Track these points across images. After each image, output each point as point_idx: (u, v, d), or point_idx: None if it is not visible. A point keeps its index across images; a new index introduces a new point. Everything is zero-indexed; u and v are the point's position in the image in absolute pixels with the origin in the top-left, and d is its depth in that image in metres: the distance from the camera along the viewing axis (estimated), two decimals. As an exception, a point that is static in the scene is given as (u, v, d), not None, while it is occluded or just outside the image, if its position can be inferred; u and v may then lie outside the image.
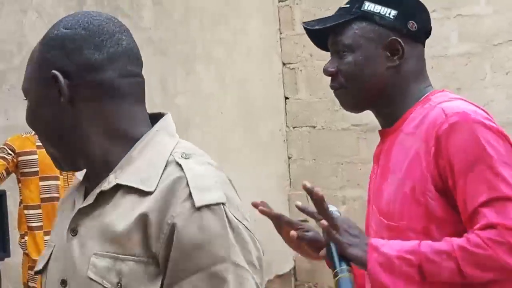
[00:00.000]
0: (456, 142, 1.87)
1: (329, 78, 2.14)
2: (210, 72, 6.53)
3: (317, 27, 2.16)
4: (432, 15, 2.17)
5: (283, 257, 7.11)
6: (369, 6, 2.07)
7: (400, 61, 2.06)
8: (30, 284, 4.55)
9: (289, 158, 7.36)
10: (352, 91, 2.10)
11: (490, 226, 1.81)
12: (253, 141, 6.91)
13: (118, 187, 1.39)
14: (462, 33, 6.28)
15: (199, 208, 1.32)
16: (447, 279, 1.86)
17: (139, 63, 1.50)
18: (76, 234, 1.42)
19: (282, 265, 7.06)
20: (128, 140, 1.43)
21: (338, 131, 6.97)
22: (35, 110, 1.47)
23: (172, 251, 1.31)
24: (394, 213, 1.99)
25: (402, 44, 2.05)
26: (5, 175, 4.56)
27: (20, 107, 4.96)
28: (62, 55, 1.44)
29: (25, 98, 1.50)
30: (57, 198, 4.63)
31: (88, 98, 1.43)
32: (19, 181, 4.69)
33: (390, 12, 2.04)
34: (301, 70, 7.22)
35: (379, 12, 2.06)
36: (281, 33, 7.35)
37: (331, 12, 2.26)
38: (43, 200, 4.63)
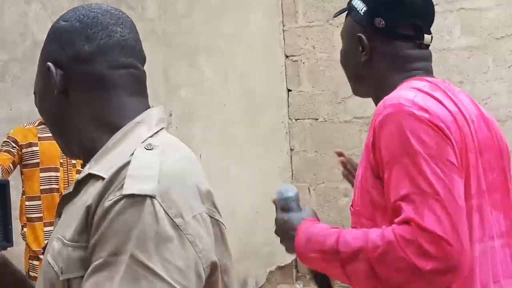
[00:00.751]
0: (386, 134, 1.87)
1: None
2: (213, 64, 6.54)
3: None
4: (435, 8, 2.17)
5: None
6: (353, 1, 2.16)
7: (368, 56, 2.11)
8: (31, 273, 4.57)
9: (291, 150, 7.37)
10: (346, 76, 2.22)
11: (406, 221, 1.78)
12: (255, 133, 6.92)
13: (91, 176, 1.40)
14: (464, 26, 6.28)
15: (125, 197, 1.28)
16: (365, 279, 1.84)
17: (136, 55, 1.53)
18: (60, 219, 1.47)
19: (284, 257, 7.08)
20: (113, 130, 1.46)
21: (341, 123, 6.98)
22: (39, 101, 1.56)
23: (95, 236, 1.29)
24: (355, 200, 2.03)
25: (365, 40, 2.09)
26: (12, 168, 4.60)
27: (23, 98, 4.98)
28: (58, 47, 1.50)
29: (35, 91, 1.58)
30: (56, 190, 4.64)
31: (79, 89, 1.48)
32: (22, 173, 4.71)
33: (362, 8, 2.11)
34: (303, 63, 7.23)
35: (356, 8, 2.14)
36: (284, 26, 7.35)
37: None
38: (43, 191, 4.64)
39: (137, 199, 1.27)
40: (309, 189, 7.22)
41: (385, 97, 1.94)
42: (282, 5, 7.37)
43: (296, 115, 7.32)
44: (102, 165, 1.39)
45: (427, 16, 2.13)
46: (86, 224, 1.32)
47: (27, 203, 4.68)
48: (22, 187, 4.73)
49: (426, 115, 1.84)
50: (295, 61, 7.29)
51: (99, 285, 1.25)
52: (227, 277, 1.44)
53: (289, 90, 7.36)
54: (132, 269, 1.24)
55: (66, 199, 1.45)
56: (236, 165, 6.66)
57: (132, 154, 1.36)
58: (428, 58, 2.13)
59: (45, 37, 1.56)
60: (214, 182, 6.76)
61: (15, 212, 4.64)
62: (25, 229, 4.67)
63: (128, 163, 1.33)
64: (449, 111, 1.91)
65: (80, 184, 1.42)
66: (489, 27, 6.20)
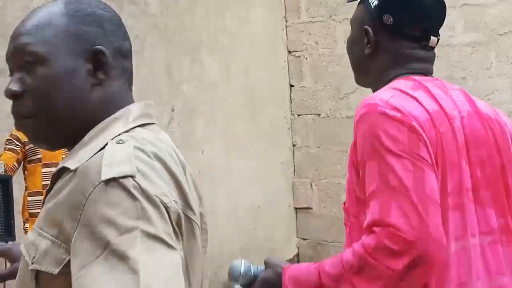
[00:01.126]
0: (360, 133, 1.91)
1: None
2: (215, 59, 6.54)
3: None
4: (438, 5, 2.18)
5: (286, 243, 7.13)
6: None
7: (372, 50, 2.11)
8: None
9: (293, 145, 7.37)
10: (351, 65, 2.23)
11: (372, 225, 1.81)
12: (257, 128, 6.92)
13: (64, 170, 1.39)
14: (467, 22, 6.27)
15: (105, 182, 1.27)
16: None
17: None
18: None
19: (285, 252, 7.08)
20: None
21: (343, 119, 6.97)
22: (56, 77, 1.42)
23: (78, 227, 1.27)
24: (346, 198, 2.07)
25: (371, 33, 2.10)
26: (17, 166, 4.64)
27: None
28: (101, 33, 1.47)
29: (30, 59, 1.43)
30: None
31: (113, 80, 1.48)
32: (25, 168, 4.74)
33: (373, 2, 2.11)
34: (306, 58, 7.22)
35: None
36: (286, 21, 7.35)
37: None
38: (44, 186, 4.67)
39: (119, 180, 1.27)
40: (311, 185, 7.22)
41: (365, 98, 1.98)
42: (285, 0, 7.36)
43: (298, 110, 7.32)
44: (74, 159, 1.38)
45: (437, 18, 2.14)
46: (58, 218, 1.31)
47: (29, 198, 4.70)
48: (25, 182, 4.75)
49: (398, 115, 1.87)
50: (298, 56, 7.29)
51: (93, 266, 1.22)
52: (193, 275, 1.44)
53: (291, 86, 7.35)
54: (144, 241, 1.23)
55: (47, 192, 1.44)
56: (238, 160, 6.66)
57: (102, 148, 1.35)
58: (430, 60, 2.14)
59: None
60: (216, 177, 6.77)
61: (17, 207, 4.65)
62: (27, 225, 4.69)
63: (95, 156, 1.33)
64: (426, 110, 1.93)
65: (56, 178, 1.41)
66: (492, 23, 6.19)
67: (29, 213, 4.68)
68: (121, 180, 1.27)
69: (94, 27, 1.46)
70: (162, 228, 1.27)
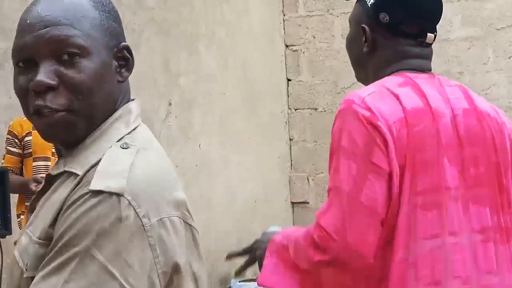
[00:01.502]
0: (333, 128, 1.97)
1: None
2: (213, 53, 6.52)
3: None
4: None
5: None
6: None
7: (369, 48, 2.11)
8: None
9: (290, 140, 7.36)
10: (351, 63, 2.24)
11: (316, 217, 1.93)
12: (255, 122, 6.91)
13: (65, 173, 1.36)
14: (465, 17, 6.27)
15: (91, 192, 1.24)
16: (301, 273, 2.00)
17: None
18: (32, 215, 1.43)
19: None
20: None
21: (340, 113, 6.97)
22: (97, 71, 1.37)
23: (58, 231, 1.26)
24: None
25: (368, 32, 2.10)
26: (21, 166, 4.71)
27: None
28: (120, 29, 1.45)
29: (74, 51, 1.36)
30: None
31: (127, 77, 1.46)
32: (21, 162, 4.75)
33: (370, 0, 2.10)
34: (303, 52, 7.22)
35: None
36: (284, 15, 7.34)
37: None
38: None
39: (104, 195, 1.24)
40: (308, 179, 7.22)
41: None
42: (282, -6, 7.36)
43: (295, 104, 7.31)
44: (78, 162, 1.34)
45: (433, 15, 2.14)
46: (55, 221, 1.29)
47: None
48: (22, 176, 4.76)
49: (368, 114, 1.90)
50: (295, 50, 7.28)
51: (49, 275, 1.22)
52: (197, 284, 1.40)
53: (288, 80, 7.35)
54: (84, 264, 1.21)
55: (40, 195, 1.42)
56: (235, 154, 6.66)
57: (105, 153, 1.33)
58: (427, 57, 2.14)
59: None
60: (213, 171, 6.78)
61: (14, 201, 4.65)
62: (22, 217, 4.69)
63: (98, 161, 1.30)
64: (403, 108, 1.94)
65: (54, 180, 1.38)
66: (490, 18, 6.19)
67: (26, 206, 4.69)
68: (105, 195, 1.24)
69: (117, 23, 1.44)
70: (118, 255, 1.22)
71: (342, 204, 1.87)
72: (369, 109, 1.91)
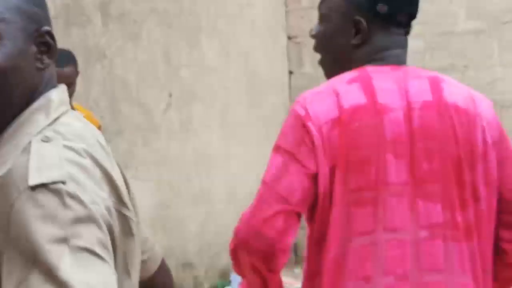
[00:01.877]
0: None
1: None
2: (214, 45, 6.50)
3: None
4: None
5: (284, 232, 7.11)
6: None
7: (361, 40, 2.05)
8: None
9: (292, 133, 7.34)
10: (322, 60, 2.20)
11: None
12: (256, 115, 6.89)
13: None
14: (470, 10, 6.23)
15: (33, 188, 1.17)
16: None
17: None
18: None
19: (283, 240, 7.06)
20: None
21: (342, 106, 6.95)
22: (9, 56, 1.29)
23: (7, 239, 1.17)
24: None
25: (365, 24, 2.04)
26: None
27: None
28: (44, 13, 1.37)
29: None
30: None
31: (51, 64, 1.38)
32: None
33: None
34: (306, 45, 7.18)
35: None
36: (286, 7, 7.31)
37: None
38: None
39: (49, 186, 1.17)
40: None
41: None
42: (285, -15, 7.32)
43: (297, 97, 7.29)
44: None
45: (416, 3, 2.11)
46: None
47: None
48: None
49: (303, 113, 1.95)
50: (298, 42, 7.25)
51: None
52: (134, 272, 1.37)
53: (290, 72, 7.32)
54: (75, 254, 1.14)
55: None
56: (237, 146, 6.63)
57: (25, 148, 1.24)
58: (406, 46, 2.11)
59: None
60: (214, 163, 6.74)
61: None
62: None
63: (20, 157, 1.22)
64: (340, 107, 1.94)
65: None
66: (495, 11, 6.15)
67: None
68: (51, 186, 1.17)
69: (40, 8, 1.35)
70: (96, 239, 1.17)
71: (261, 194, 1.97)
72: (304, 108, 1.96)
